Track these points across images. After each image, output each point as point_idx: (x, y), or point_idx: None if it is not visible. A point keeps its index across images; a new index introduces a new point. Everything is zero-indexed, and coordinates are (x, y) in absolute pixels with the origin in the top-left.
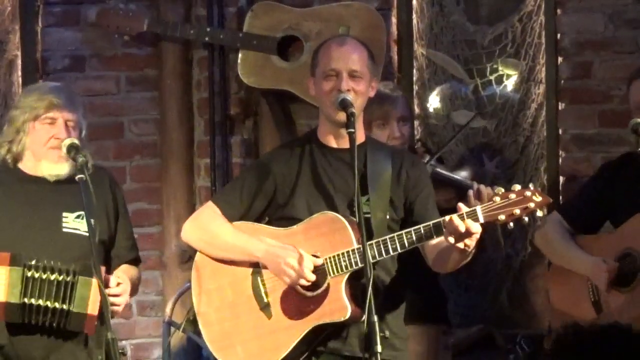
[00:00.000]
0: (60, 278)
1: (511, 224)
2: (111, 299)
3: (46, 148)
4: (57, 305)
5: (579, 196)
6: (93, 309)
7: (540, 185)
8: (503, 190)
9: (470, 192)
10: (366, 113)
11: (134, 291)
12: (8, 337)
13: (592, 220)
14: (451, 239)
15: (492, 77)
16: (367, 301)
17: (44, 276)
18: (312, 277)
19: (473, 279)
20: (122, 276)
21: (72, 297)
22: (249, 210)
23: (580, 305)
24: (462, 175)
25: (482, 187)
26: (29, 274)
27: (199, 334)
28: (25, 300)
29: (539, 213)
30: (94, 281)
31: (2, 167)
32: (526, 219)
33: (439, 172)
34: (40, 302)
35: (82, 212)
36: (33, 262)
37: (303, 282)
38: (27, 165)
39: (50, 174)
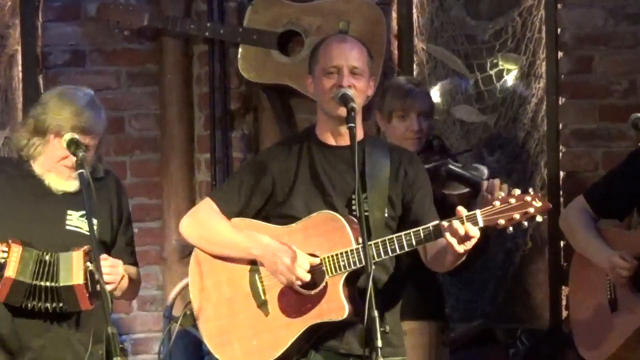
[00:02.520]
0: (46, 258)
1: (510, 228)
2: (103, 270)
3: (59, 165)
4: (47, 283)
5: (605, 183)
6: (77, 278)
7: (541, 180)
8: (519, 191)
9: (484, 184)
10: (388, 103)
11: (132, 291)
12: (9, 323)
13: (617, 208)
14: (451, 242)
15: (493, 72)
16: (368, 296)
17: (46, 258)
18: (307, 278)
19: (473, 274)
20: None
21: (58, 274)
22: (246, 207)
23: (596, 299)
24: (480, 172)
25: (497, 180)
26: (43, 257)
27: (197, 328)
28: (35, 282)
29: (539, 218)
30: (75, 254)
31: (15, 160)
32: (526, 223)
33: (452, 169)
34: (45, 283)
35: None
36: (44, 252)
37: (298, 282)
38: (37, 169)
39: (56, 189)
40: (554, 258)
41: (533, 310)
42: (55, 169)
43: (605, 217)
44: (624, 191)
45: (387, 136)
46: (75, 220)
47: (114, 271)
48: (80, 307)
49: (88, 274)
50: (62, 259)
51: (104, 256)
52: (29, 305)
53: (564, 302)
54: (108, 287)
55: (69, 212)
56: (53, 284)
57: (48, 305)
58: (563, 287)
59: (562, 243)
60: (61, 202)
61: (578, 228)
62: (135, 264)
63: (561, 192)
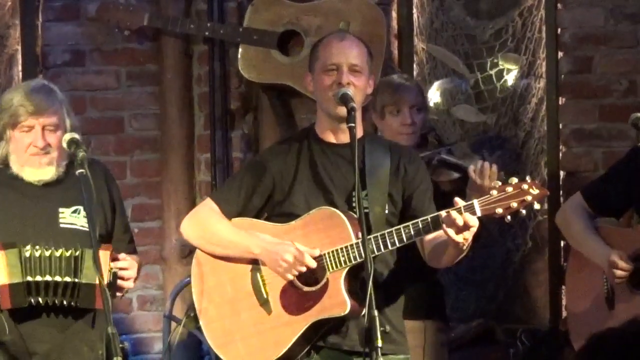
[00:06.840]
0: (68, 253)
1: (509, 217)
2: (120, 273)
3: (27, 155)
4: (66, 279)
5: (603, 180)
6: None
7: (541, 180)
8: (516, 179)
9: (471, 168)
10: (380, 99)
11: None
12: (14, 329)
13: (614, 206)
14: (449, 233)
15: (493, 72)
16: (368, 295)
17: (47, 253)
18: (313, 264)
19: (473, 274)
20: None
21: (81, 269)
22: (247, 207)
23: (594, 298)
24: (472, 159)
25: (486, 163)
26: (27, 254)
27: (200, 330)
28: (29, 278)
29: (537, 206)
30: (101, 252)
31: None
32: (524, 212)
33: (444, 157)
34: (45, 277)
35: (78, 207)
36: (28, 247)
37: (297, 273)
38: (15, 169)
39: (34, 180)
40: (554, 258)
41: (533, 310)
42: (27, 160)
43: (602, 215)
44: (621, 189)
45: (382, 133)
46: (69, 217)
47: (131, 274)
48: (95, 306)
49: (111, 275)
50: (88, 254)
51: (122, 255)
52: (40, 299)
53: (564, 302)
54: (126, 285)
55: (61, 209)
56: (73, 279)
57: (56, 300)
58: (563, 287)
59: (562, 243)
60: (51, 201)
61: (575, 224)
62: (134, 251)
63: (561, 192)
